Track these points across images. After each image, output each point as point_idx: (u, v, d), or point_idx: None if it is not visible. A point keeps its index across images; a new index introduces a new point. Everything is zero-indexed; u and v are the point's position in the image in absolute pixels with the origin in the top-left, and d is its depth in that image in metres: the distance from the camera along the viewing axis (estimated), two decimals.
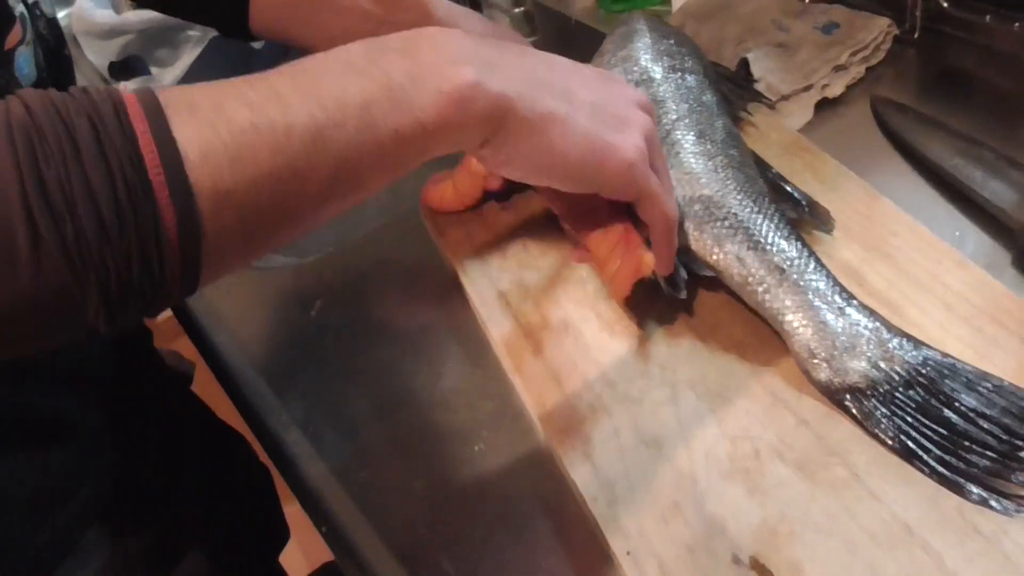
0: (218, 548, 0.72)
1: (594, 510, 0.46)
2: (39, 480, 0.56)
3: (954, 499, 0.43)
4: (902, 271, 0.54)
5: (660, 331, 0.54)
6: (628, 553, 0.43)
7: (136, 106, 0.33)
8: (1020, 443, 0.44)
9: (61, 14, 1.14)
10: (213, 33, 0.95)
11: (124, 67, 1.04)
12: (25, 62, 0.50)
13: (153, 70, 1.03)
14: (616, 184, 0.46)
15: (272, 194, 0.35)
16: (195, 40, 1.02)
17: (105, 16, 1.04)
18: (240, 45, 0.94)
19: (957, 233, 0.57)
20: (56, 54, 0.57)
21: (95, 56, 1.06)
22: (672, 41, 0.67)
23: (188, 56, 1.02)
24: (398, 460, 0.53)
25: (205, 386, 0.77)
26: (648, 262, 0.51)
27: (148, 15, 1.00)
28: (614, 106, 0.46)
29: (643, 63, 0.65)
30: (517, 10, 0.98)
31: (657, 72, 0.64)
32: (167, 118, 0.33)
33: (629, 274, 0.52)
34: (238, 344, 0.65)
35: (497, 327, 0.57)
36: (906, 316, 0.51)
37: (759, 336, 0.52)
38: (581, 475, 0.47)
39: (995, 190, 0.58)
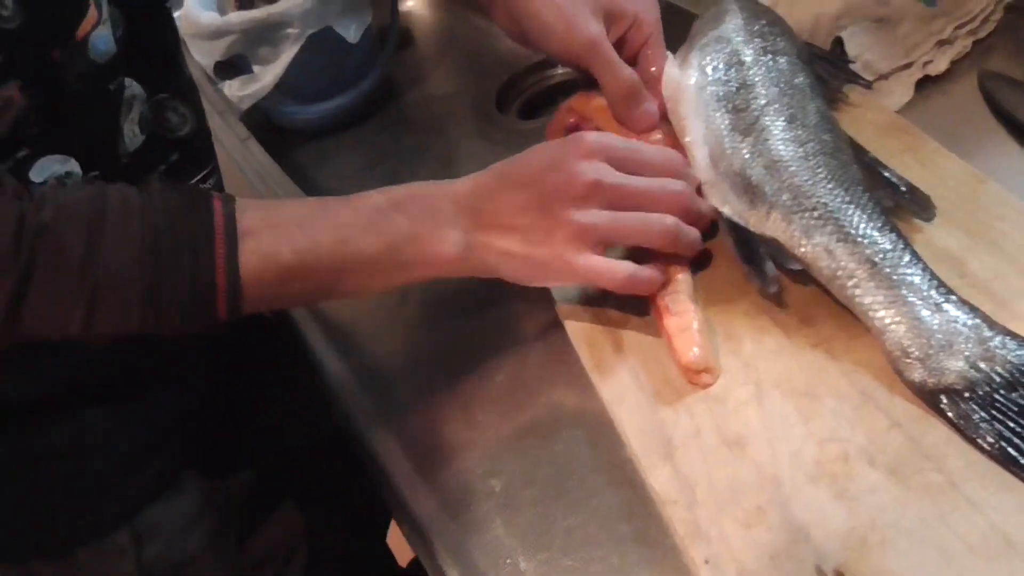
0: (313, 504, 0.75)
1: (673, 514, 0.45)
2: (139, 428, 0.60)
3: None
4: (1009, 260, 0.51)
5: (745, 327, 0.52)
6: (707, 562, 0.42)
7: (221, 235, 0.48)
8: None
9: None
10: (311, 30, 0.97)
11: (229, 66, 1.08)
12: (102, 42, 0.51)
13: (255, 68, 1.06)
14: (572, 278, 0.54)
15: (294, 299, 0.59)
16: (293, 38, 1.04)
17: (210, 18, 1.07)
18: (336, 41, 0.97)
19: None
20: (141, 14, 0.58)
21: (202, 56, 1.09)
22: (764, 22, 0.65)
23: (287, 54, 1.04)
24: (474, 453, 0.54)
25: None
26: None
27: (249, 15, 1.03)
28: (544, 217, 0.53)
29: (734, 45, 0.62)
30: None
31: (748, 55, 0.62)
32: (239, 245, 0.48)
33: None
34: (329, 340, 0.66)
35: (575, 321, 0.56)
36: (1012, 310, 0.48)
37: (850, 332, 0.50)
38: (660, 477, 0.47)
39: None
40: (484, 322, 0.61)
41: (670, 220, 0.53)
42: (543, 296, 0.59)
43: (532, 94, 1.00)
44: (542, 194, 0.52)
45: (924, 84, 0.65)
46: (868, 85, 0.64)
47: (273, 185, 0.85)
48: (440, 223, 0.52)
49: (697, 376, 0.50)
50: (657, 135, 0.61)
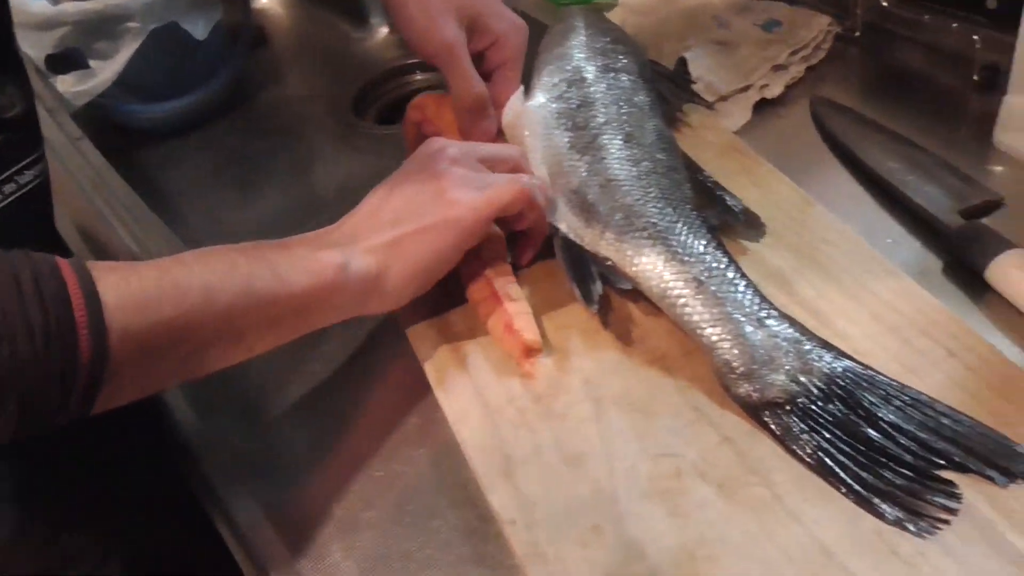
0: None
1: (512, 535, 0.45)
2: None
3: (873, 520, 0.42)
4: (832, 279, 0.54)
5: (585, 344, 0.53)
6: None
7: (67, 266, 0.41)
8: (936, 460, 0.43)
9: None
10: (153, 24, 0.93)
11: (62, 59, 1.01)
12: None
13: (92, 63, 1.00)
14: (475, 218, 0.52)
15: (168, 338, 0.43)
16: (135, 32, 0.99)
17: (41, 6, 1.01)
18: (182, 37, 0.93)
19: (890, 240, 0.57)
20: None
21: (32, 48, 1.03)
22: (608, 39, 0.66)
23: (128, 49, 0.99)
24: (313, 476, 0.52)
25: None
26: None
27: (85, 6, 0.97)
28: (433, 195, 0.52)
29: (576, 62, 0.64)
30: None
31: (590, 72, 0.63)
32: (91, 273, 0.41)
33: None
34: None
35: (421, 338, 0.56)
36: (833, 327, 0.51)
37: (684, 348, 0.51)
38: (499, 497, 0.46)
39: (930, 195, 0.57)
40: (328, 345, 0.59)
41: (526, 178, 0.55)
42: (386, 317, 0.58)
43: (390, 99, 0.99)
44: (413, 182, 0.53)
45: (761, 107, 0.68)
46: (709, 106, 0.67)
47: (106, 191, 0.80)
48: (318, 247, 0.50)
49: (533, 358, 0.52)
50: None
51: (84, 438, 0.52)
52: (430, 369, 0.54)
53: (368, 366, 0.57)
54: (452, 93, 0.62)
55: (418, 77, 0.99)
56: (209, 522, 0.54)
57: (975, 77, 0.65)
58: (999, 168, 0.60)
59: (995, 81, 0.65)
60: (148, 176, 0.90)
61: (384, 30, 1.07)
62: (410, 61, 0.99)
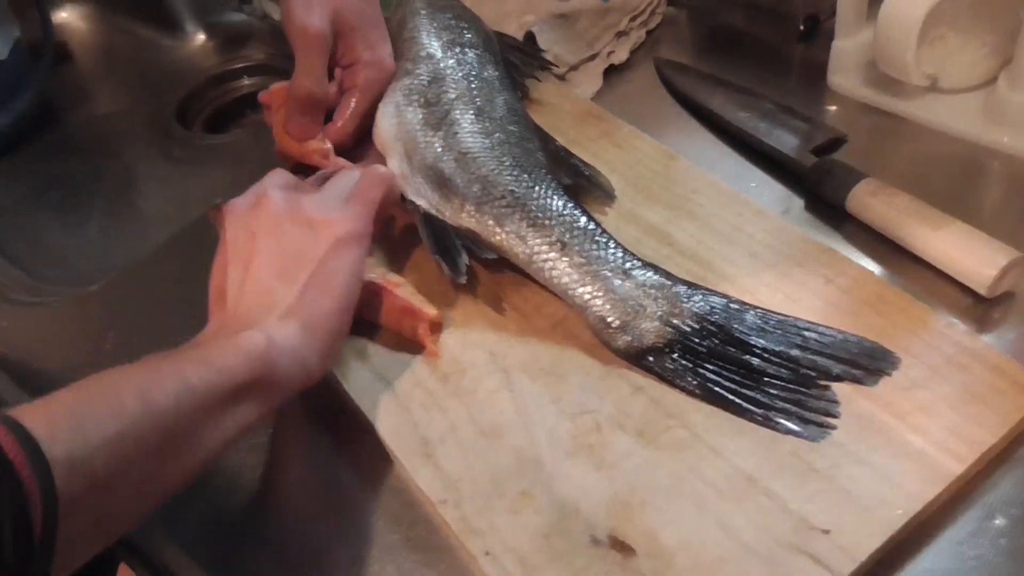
0: None
1: (444, 513, 0.44)
2: None
3: (789, 442, 0.44)
4: (707, 226, 0.56)
5: (486, 317, 0.53)
6: (487, 553, 0.41)
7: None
8: (809, 371, 0.46)
9: None
10: None
11: None
12: None
13: None
14: (370, 238, 0.50)
15: (116, 458, 0.36)
16: None
17: None
18: None
19: (753, 184, 0.59)
20: None
21: None
22: (450, 15, 0.66)
23: None
24: (235, 496, 0.49)
25: None
26: None
27: None
28: (303, 231, 0.49)
29: (422, 40, 0.63)
30: None
31: (436, 49, 0.62)
32: (12, 414, 0.34)
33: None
34: (28, 394, 0.58)
35: None
36: (716, 270, 0.53)
37: None
38: (424, 478, 0.45)
39: (780, 139, 0.60)
40: None
41: (378, 167, 0.54)
42: None
43: (218, 106, 0.94)
44: (269, 236, 0.48)
45: (610, 73, 0.70)
46: (561, 76, 0.68)
47: None
48: (232, 332, 0.44)
49: (436, 334, 0.51)
50: (312, 144, 0.61)
51: None
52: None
53: None
54: (291, 81, 0.60)
55: (246, 82, 0.95)
56: None
57: (800, 27, 0.69)
58: (834, 108, 0.64)
59: (815, 30, 0.69)
60: None
61: (201, 36, 1.02)
62: (235, 66, 0.95)
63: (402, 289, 0.52)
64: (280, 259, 0.48)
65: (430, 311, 0.51)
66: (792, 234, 0.54)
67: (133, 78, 0.98)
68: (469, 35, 0.64)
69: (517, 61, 0.65)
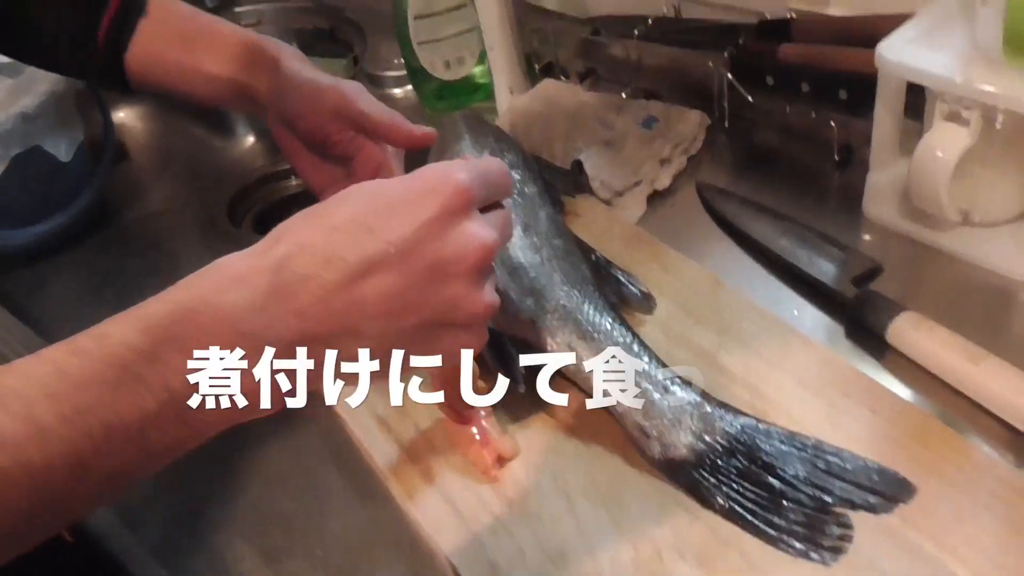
0: None
1: None
2: None
3: (842, 570, 0.46)
4: (754, 353, 0.58)
5: (544, 440, 0.55)
6: None
7: None
8: (827, 498, 0.49)
9: None
10: (17, 151, 0.88)
11: None
12: None
13: None
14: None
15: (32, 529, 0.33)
16: None
17: None
18: (46, 160, 0.88)
19: (796, 312, 0.62)
20: None
21: None
22: (491, 138, 0.70)
23: None
24: None
25: None
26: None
27: None
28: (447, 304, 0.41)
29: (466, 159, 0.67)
30: None
31: None
32: None
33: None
34: None
35: (381, 454, 0.56)
36: (765, 396, 0.55)
37: None
38: None
39: (820, 268, 0.64)
40: (269, 453, 0.58)
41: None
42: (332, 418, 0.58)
43: (266, 205, 0.99)
44: (419, 274, 0.40)
45: (653, 198, 0.74)
46: (608, 202, 0.72)
47: None
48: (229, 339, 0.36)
49: (503, 465, 0.54)
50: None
51: None
52: (393, 481, 0.54)
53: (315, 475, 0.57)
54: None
55: (294, 182, 1.00)
56: None
57: (836, 157, 0.73)
58: (868, 237, 0.68)
59: (851, 159, 0.73)
60: (20, 302, 0.85)
61: (251, 139, 1.07)
62: (282, 167, 0.99)
63: (487, 419, 0.54)
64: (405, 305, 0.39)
65: (506, 446, 0.53)
66: (838, 364, 0.57)
67: (186, 176, 1.03)
68: (510, 156, 0.68)
69: (556, 180, 0.69)
